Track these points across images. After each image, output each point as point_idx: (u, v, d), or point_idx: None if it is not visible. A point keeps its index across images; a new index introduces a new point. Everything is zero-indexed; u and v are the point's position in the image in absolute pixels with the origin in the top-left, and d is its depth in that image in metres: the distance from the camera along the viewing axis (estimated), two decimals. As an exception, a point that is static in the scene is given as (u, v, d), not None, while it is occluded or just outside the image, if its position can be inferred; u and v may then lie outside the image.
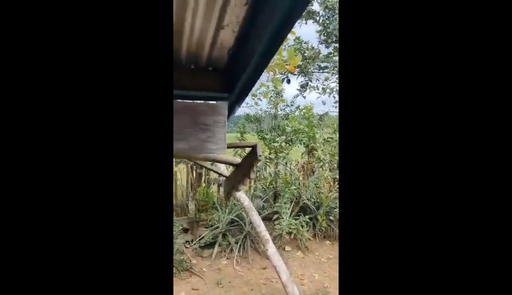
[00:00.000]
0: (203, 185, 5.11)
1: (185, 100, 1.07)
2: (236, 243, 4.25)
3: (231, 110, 1.46)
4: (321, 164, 5.21)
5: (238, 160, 1.36)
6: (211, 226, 4.49)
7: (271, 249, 3.48)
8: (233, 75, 1.32)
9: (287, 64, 3.49)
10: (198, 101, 1.10)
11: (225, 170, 4.07)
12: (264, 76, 4.90)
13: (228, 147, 1.29)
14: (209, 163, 3.58)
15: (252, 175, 1.19)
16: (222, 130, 1.06)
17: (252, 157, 1.20)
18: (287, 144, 4.98)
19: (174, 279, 3.61)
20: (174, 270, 3.68)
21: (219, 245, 4.27)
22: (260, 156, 1.14)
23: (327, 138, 5.13)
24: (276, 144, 4.83)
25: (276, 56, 3.19)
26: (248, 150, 1.55)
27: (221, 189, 5.39)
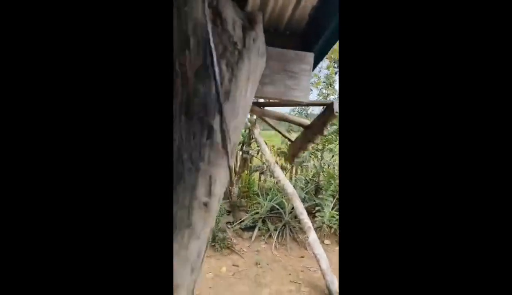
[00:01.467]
0: (246, 172, 5.25)
1: (276, 48, 1.14)
2: (275, 230, 4.31)
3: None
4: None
5: (308, 121, 1.42)
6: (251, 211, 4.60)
7: (313, 236, 3.48)
8: (310, 40, 1.38)
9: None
10: (288, 50, 1.17)
11: (270, 157, 4.15)
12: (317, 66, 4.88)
13: (306, 105, 1.35)
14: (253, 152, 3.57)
15: (325, 132, 1.24)
16: (307, 79, 1.12)
17: (326, 114, 1.24)
18: (336, 136, 4.91)
19: (216, 255, 3.76)
20: (217, 247, 3.84)
21: (259, 229, 4.36)
22: (337, 112, 1.18)
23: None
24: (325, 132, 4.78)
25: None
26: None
27: (262, 177, 5.48)
